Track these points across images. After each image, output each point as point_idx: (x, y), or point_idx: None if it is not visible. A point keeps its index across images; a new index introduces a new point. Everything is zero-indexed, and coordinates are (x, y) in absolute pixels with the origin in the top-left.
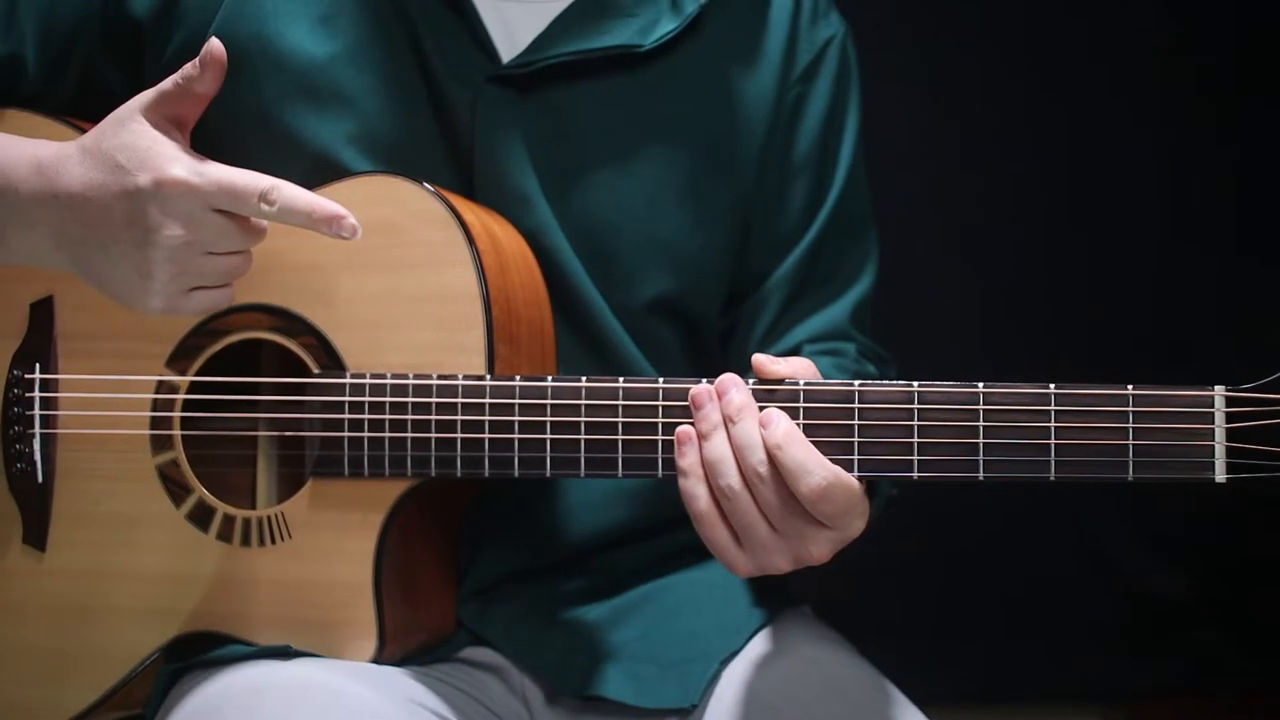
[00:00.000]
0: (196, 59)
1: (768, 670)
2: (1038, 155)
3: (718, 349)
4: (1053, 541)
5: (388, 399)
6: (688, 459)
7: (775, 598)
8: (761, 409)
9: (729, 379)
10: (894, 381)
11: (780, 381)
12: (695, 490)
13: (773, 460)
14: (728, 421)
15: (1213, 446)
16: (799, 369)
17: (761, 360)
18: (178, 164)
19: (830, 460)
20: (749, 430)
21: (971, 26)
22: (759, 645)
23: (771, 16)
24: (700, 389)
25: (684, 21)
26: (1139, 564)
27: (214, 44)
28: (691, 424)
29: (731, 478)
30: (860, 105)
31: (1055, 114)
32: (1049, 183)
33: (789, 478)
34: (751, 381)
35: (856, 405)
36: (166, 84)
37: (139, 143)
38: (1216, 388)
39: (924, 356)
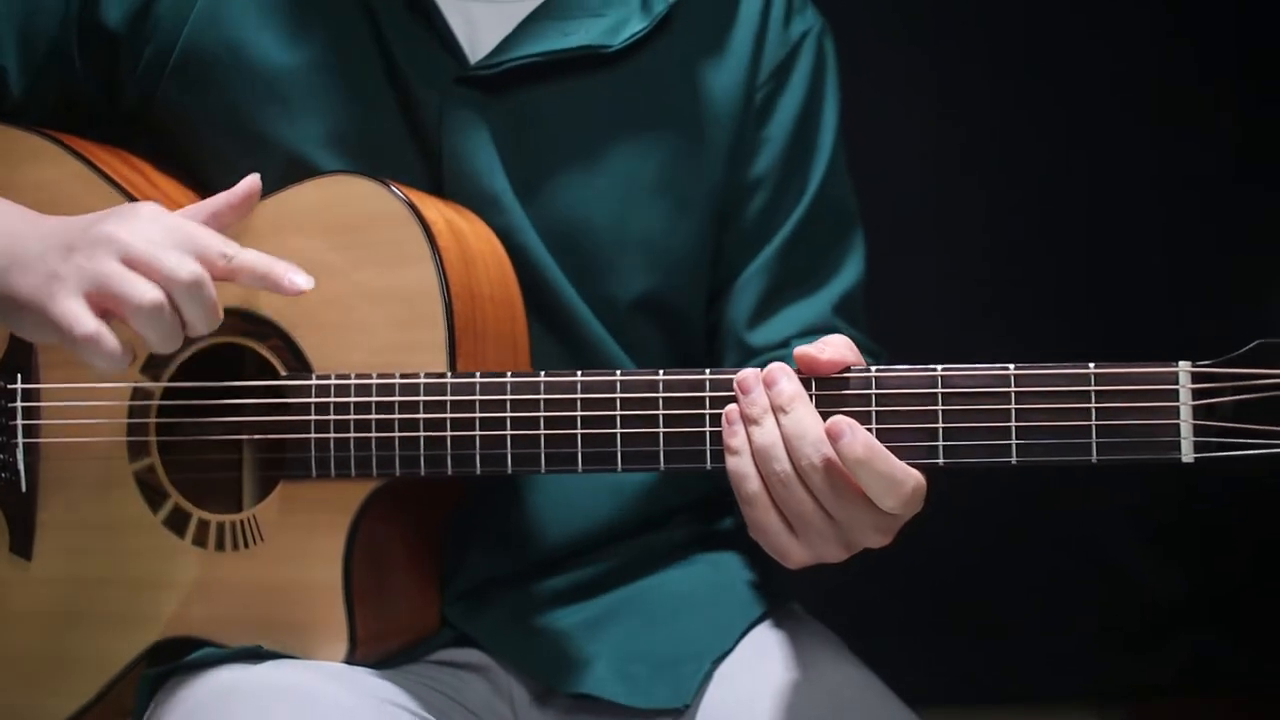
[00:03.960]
0: (232, 191)
1: (759, 670)
2: (1010, 144)
3: (701, 348)
4: (1051, 542)
5: (351, 399)
6: (737, 438)
7: (767, 596)
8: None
9: (779, 367)
10: (850, 369)
11: (846, 369)
12: (745, 469)
13: (850, 475)
14: (778, 411)
15: (1179, 425)
16: (842, 348)
17: (806, 352)
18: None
19: None
20: (800, 419)
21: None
22: (751, 645)
23: (741, 12)
24: (748, 373)
25: (653, 21)
26: (1138, 564)
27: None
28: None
29: (783, 463)
30: (839, 100)
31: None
32: (1023, 170)
33: (871, 491)
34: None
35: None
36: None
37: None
38: (1181, 364)
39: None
